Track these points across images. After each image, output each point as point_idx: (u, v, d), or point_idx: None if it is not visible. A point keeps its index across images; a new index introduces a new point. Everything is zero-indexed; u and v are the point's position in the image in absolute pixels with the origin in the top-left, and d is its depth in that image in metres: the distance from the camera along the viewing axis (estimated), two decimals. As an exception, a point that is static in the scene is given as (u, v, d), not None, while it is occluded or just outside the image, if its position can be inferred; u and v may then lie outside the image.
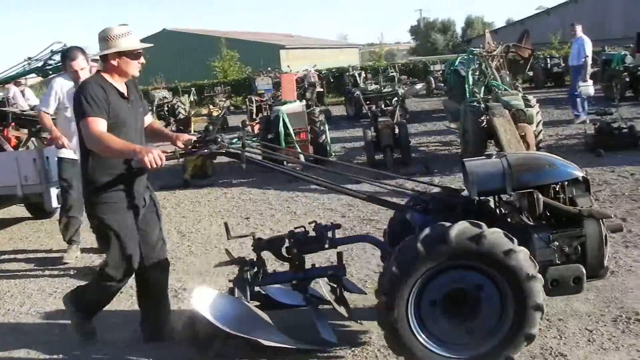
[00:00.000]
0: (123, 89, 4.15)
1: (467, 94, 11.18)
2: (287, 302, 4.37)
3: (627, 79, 16.23)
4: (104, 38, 4.05)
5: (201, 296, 3.86)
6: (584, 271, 3.61)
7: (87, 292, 4.46)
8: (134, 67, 4.16)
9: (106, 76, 4.11)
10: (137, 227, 4.19)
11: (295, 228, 4.27)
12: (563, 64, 22.68)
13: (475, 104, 9.87)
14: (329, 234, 4.15)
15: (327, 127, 11.64)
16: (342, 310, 4.10)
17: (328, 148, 11.30)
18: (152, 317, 4.44)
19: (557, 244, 3.67)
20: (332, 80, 26.20)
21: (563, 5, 36.82)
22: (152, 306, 4.46)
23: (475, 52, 12.28)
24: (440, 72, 22.19)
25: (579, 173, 3.80)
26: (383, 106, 12.19)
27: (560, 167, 3.81)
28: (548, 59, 23.04)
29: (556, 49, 25.67)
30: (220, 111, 17.69)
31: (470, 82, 11.53)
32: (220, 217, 8.07)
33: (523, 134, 8.91)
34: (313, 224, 4.25)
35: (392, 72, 19.84)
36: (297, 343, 3.94)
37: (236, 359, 4.01)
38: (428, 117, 16.75)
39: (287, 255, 4.23)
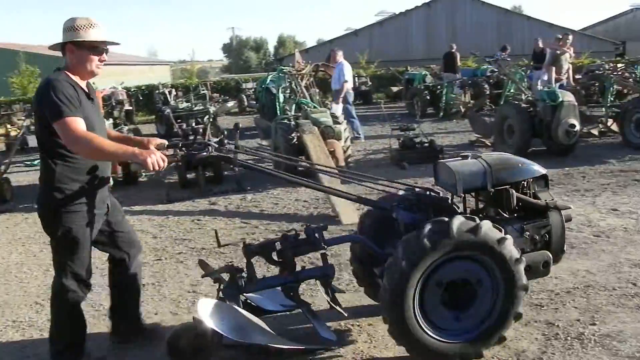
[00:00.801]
0: (86, 89, 3.94)
1: (278, 112, 11.55)
2: (271, 308, 4.44)
3: (428, 97, 17.63)
4: (69, 28, 3.84)
5: (205, 307, 3.79)
6: (551, 256, 4.18)
7: (54, 323, 4.10)
8: (96, 64, 3.93)
9: (69, 74, 3.85)
10: (107, 231, 4.16)
11: (287, 232, 4.33)
12: (370, 83, 24.16)
13: (285, 121, 10.22)
14: (317, 235, 4.25)
15: (136, 146, 11.40)
16: (339, 309, 4.21)
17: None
18: (128, 316, 4.43)
19: (528, 233, 4.19)
20: (141, 98, 25.65)
21: (369, 27, 39.06)
22: (132, 305, 4.44)
23: (285, 70, 12.72)
24: (253, 90, 22.60)
25: (543, 170, 4.35)
26: (194, 124, 12.15)
27: (528, 165, 4.32)
28: (355, 78, 24.32)
29: (363, 68, 27.18)
30: (19, 131, 16.61)
31: (281, 100, 11.93)
32: (21, 244, 7.63)
33: (332, 149, 9.40)
34: (303, 227, 4.35)
35: (203, 90, 19.85)
36: (301, 344, 4.06)
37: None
38: (241, 134, 16.92)
39: (277, 259, 4.26)
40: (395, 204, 4.36)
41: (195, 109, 15.59)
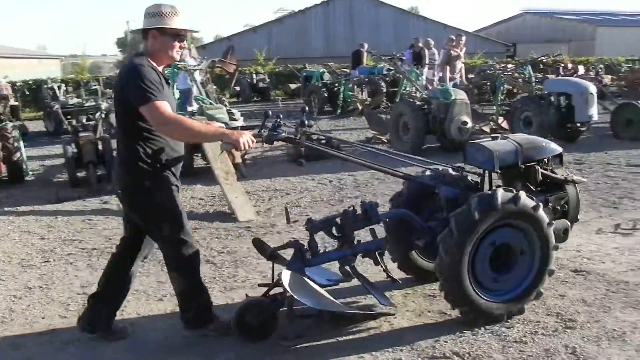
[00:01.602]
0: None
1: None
2: (322, 283, 4.60)
3: (326, 94, 17.85)
4: (153, 14, 4.00)
5: (287, 278, 4.00)
6: (569, 224, 4.78)
7: (189, 289, 4.28)
8: (176, 50, 4.09)
9: (150, 59, 4.00)
10: None
11: (348, 208, 4.56)
12: (268, 80, 24.20)
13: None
14: (372, 211, 4.53)
15: (22, 144, 10.95)
16: (393, 276, 4.66)
17: (24, 167, 10.65)
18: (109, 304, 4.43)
19: (551, 204, 4.71)
20: (28, 93, 24.58)
21: (268, 24, 39.12)
22: (116, 292, 4.45)
23: (180, 66, 12.55)
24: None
25: (560, 149, 4.92)
26: (85, 121, 11.77)
27: (549, 144, 4.88)
28: (254, 75, 24.32)
29: (262, 65, 27.19)
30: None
31: (176, 97, 11.77)
32: None
33: (229, 146, 9.36)
34: (361, 203, 4.63)
35: (95, 85, 19.26)
36: (370, 310, 4.58)
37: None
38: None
39: (337, 234, 4.53)
40: (436, 181, 4.81)
41: (87, 105, 15.14)
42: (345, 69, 21.21)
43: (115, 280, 4.41)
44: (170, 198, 4.07)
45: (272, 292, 4.44)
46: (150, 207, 4.07)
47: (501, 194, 4.18)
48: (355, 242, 4.58)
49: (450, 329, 4.37)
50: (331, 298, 4.36)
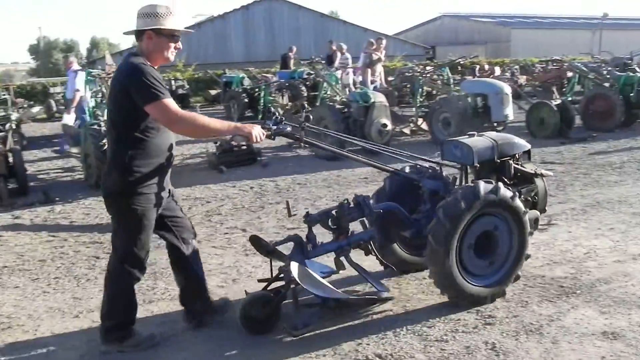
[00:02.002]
0: None
1: (88, 117, 11.11)
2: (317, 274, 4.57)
3: (246, 100, 17.75)
4: (148, 15, 3.99)
5: (295, 270, 4.17)
6: (539, 214, 5.21)
7: (107, 301, 4.24)
8: (171, 51, 4.11)
9: (145, 60, 3.98)
10: (165, 216, 4.28)
11: (343, 201, 4.81)
12: (187, 86, 23.90)
13: (96, 127, 9.82)
14: (365, 203, 4.80)
15: None
16: (388, 264, 5.15)
17: None
18: (201, 295, 4.57)
19: (523, 196, 5.01)
20: None
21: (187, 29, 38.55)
22: (197, 285, 4.55)
23: (94, 73, 12.25)
24: (62, 94, 21.49)
25: (528, 145, 5.30)
26: (-7, 132, 11.34)
27: (520, 140, 5.21)
28: (173, 81, 23.92)
29: (181, 71, 26.82)
30: None
31: (91, 105, 11.49)
32: None
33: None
34: (353, 196, 4.89)
35: (4, 95, 18.55)
36: (367, 297, 4.82)
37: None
38: (49, 142, 16.11)
39: (333, 226, 4.72)
40: (420, 175, 5.14)
41: (-4, 115, 14.53)
42: (265, 74, 21.18)
43: (184, 274, 4.56)
44: (146, 207, 4.04)
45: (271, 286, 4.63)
46: (122, 215, 4.08)
47: (483, 186, 4.54)
48: (350, 234, 4.84)
49: (372, 330, 4.41)
50: (333, 287, 4.47)
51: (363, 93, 11.33)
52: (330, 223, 4.73)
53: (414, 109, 14.26)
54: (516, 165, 5.20)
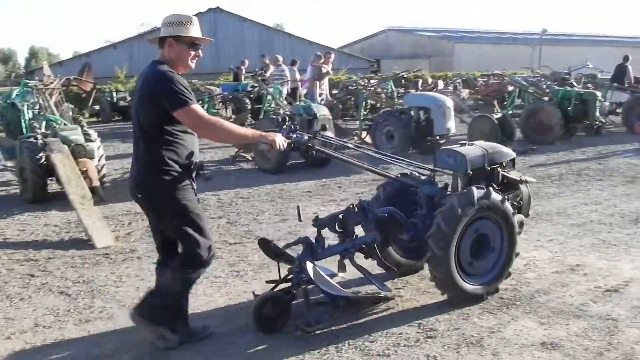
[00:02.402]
0: None
1: (24, 130, 10.85)
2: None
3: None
4: (171, 23, 4.23)
5: (312, 271, 4.54)
6: (524, 218, 5.57)
7: (161, 294, 4.41)
8: (191, 59, 4.31)
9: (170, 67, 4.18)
10: None
11: (349, 205, 5.12)
12: (129, 98, 23.55)
13: (32, 139, 9.58)
14: (369, 208, 5.14)
15: None
16: (390, 265, 5.51)
17: None
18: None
19: (509, 201, 5.23)
20: None
21: (130, 40, 38.11)
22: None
23: (30, 84, 11.96)
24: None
25: (514, 154, 5.76)
26: None
27: (506, 150, 5.68)
28: (114, 93, 23.56)
29: (122, 83, 26.42)
30: None
31: (27, 117, 11.21)
32: None
33: (85, 169, 9.01)
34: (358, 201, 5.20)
35: None
36: (374, 295, 5.17)
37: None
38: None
39: (339, 230, 5.03)
40: (417, 181, 5.53)
41: None
42: (209, 87, 21.02)
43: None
44: (191, 199, 4.27)
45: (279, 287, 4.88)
46: (170, 211, 4.26)
47: (476, 192, 4.89)
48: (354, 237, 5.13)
49: (314, 346, 4.42)
50: (341, 287, 4.83)
51: (307, 106, 11.37)
52: (337, 227, 5.04)
53: (357, 122, 14.36)
54: (503, 173, 5.61)
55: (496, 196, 5.01)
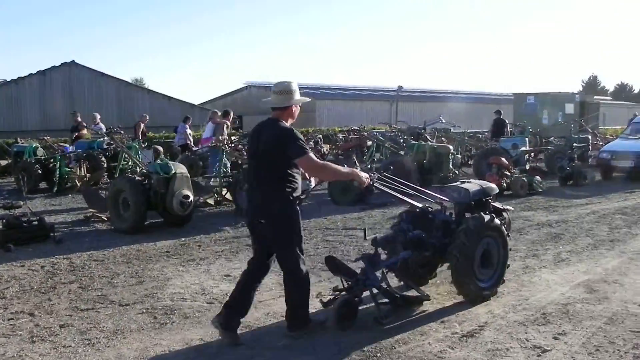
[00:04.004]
0: None
1: None
2: None
3: (40, 171, 16.87)
4: (290, 91, 5.58)
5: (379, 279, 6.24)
6: (508, 240, 7.04)
7: (296, 299, 5.67)
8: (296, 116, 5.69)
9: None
10: None
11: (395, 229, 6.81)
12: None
13: None
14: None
15: None
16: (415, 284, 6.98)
17: None
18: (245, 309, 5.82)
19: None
20: None
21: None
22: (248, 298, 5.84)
23: None
24: None
25: (497, 189, 7.58)
26: None
27: (493, 186, 7.44)
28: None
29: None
30: None
31: None
32: None
33: None
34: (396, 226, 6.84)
35: None
36: (422, 297, 6.67)
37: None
38: None
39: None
40: (432, 209, 7.07)
41: None
42: (62, 144, 20.28)
43: (246, 293, 5.76)
44: (299, 225, 5.62)
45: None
46: (286, 234, 5.53)
47: (484, 216, 6.60)
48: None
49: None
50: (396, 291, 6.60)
51: (164, 164, 11.18)
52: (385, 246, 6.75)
53: (218, 179, 14.33)
54: (492, 203, 7.21)
55: (497, 220, 6.77)
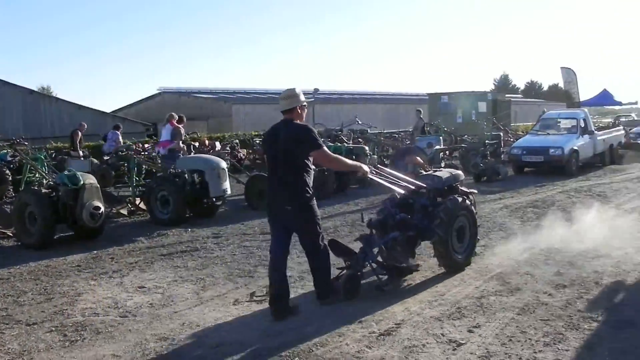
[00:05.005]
0: None
1: None
2: None
3: None
4: (294, 95, 6.59)
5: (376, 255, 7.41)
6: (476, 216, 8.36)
7: (323, 270, 6.75)
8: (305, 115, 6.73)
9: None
10: None
11: (385, 211, 7.83)
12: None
13: None
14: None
15: None
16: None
17: None
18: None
19: None
20: None
21: None
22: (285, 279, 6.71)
23: None
24: None
25: (463, 175, 8.85)
26: None
27: (461, 173, 8.77)
28: None
29: None
30: None
31: None
32: None
33: None
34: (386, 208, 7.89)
35: None
36: (414, 267, 7.70)
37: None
38: None
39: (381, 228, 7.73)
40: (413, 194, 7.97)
41: None
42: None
43: (284, 279, 6.58)
44: (317, 210, 6.65)
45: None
46: (310, 216, 6.51)
47: (460, 198, 7.93)
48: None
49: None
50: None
51: (72, 175, 10.78)
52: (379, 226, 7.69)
53: (130, 189, 14.02)
54: (461, 188, 8.33)
55: (468, 202, 8.12)
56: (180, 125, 16.84)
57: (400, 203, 7.91)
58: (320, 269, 6.67)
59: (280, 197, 6.43)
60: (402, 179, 7.83)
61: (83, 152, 20.33)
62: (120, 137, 21.68)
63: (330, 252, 6.81)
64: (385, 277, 7.33)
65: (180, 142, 16.18)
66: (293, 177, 6.37)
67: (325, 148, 6.62)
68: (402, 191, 7.73)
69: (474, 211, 8.20)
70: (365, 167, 6.98)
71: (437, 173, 8.26)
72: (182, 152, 15.18)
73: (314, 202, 6.49)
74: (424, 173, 8.43)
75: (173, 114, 17.12)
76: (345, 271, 7.15)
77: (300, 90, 6.61)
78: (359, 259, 7.13)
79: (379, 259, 7.40)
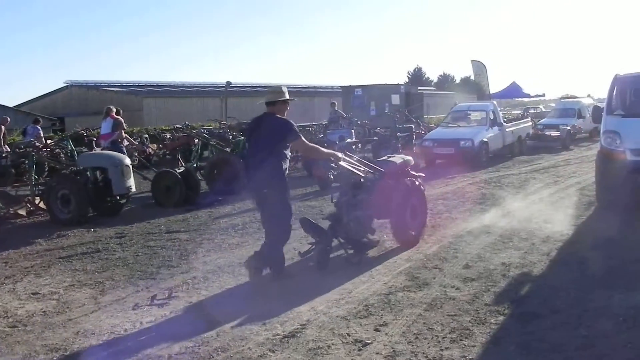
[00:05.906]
0: None
1: None
2: None
3: None
4: (280, 91, 7.61)
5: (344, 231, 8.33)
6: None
7: (275, 240, 7.51)
8: (287, 112, 7.73)
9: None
10: None
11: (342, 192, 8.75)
12: None
13: None
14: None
15: None
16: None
17: None
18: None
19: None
20: None
21: None
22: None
23: None
24: None
25: (413, 160, 9.83)
26: None
27: (412, 158, 9.75)
28: None
29: None
30: None
31: None
32: None
33: None
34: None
35: None
36: (375, 242, 8.79)
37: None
38: None
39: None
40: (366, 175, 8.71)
41: None
42: None
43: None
44: (288, 190, 7.52)
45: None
46: (283, 195, 7.34)
47: (412, 181, 8.96)
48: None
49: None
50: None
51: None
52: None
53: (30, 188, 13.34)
54: (412, 172, 9.24)
55: (420, 182, 9.19)
56: (119, 117, 16.38)
57: (357, 185, 8.61)
58: (271, 240, 7.47)
59: (258, 181, 7.34)
60: (364, 164, 8.77)
61: (5, 148, 19.29)
62: (42, 132, 20.69)
63: (289, 233, 7.57)
64: (351, 251, 8.14)
65: (123, 131, 15.84)
66: (270, 164, 7.23)
67: (303, 138, 7.63)
68: (364, 175, 8.55)
69: (423, 191, 9.34)
70: (339, 154, 8.14)
71: (391, 159, 9.15)
72: (123, 142, 14.74)
73: (287, 184, 7.44)
74: (380, 159, 9.43)
75: (111, 107, 16.69)
76: (316, 246, 7.92)
77: (286, 88, 7.69)
78: (328, 235, 7.95)
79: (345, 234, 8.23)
